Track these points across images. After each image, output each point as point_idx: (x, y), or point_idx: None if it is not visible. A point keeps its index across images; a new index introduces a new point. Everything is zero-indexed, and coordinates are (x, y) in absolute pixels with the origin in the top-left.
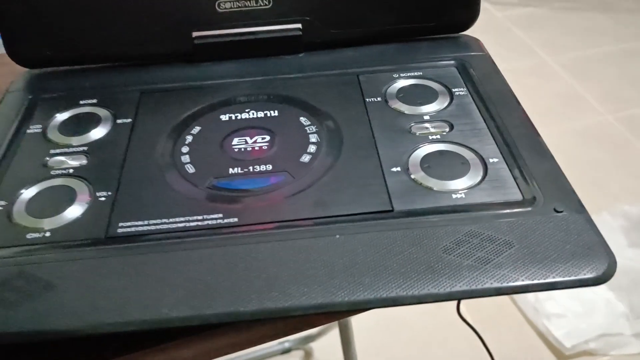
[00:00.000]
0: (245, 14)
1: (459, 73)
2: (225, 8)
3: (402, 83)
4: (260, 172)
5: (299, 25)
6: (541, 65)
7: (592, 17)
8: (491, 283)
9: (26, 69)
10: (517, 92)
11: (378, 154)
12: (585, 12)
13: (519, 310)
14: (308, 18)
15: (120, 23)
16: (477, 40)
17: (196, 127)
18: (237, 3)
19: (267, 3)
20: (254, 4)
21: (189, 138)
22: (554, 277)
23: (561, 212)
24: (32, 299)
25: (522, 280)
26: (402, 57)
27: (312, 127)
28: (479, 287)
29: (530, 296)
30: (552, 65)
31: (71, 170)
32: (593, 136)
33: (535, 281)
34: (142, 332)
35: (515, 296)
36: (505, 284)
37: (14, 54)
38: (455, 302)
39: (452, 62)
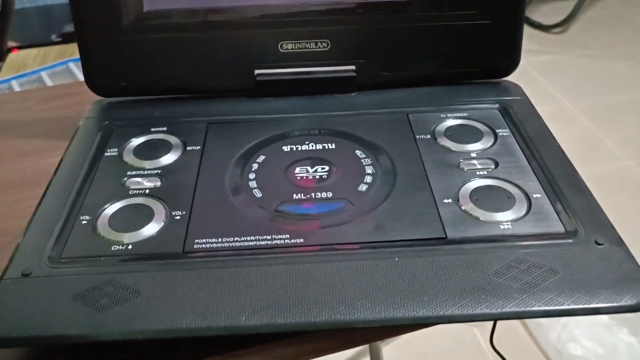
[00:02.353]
0: (305, 54)
1: (502, 115)
2: (287, 49)
3: (449, 122)
4: (322, 199)
5: (353, 67)
6: (562, 111)
7: (612, 66)
8: (539, 306)
9: (100, 98)
10: None
11: (430, 186)
12: (605, 61)
13: (541, 351)
14: (362, 61)
15: (191, 59)
16: (517, 86)
17: (261, 156)
18: (298, 44)
19: (325, 46)
20: (314, 46)
21: (255, 165)
22: (597, 303)
23: (602, 244)
24: (121, 303)
25: (568, 305)
26: (449, 99)
27: (367, 159)
28: (528, 308)
29: (552, 337)
30: (572, 110)
31: (147, 191)
32: (613, 181)
33: (580, 306)
34: (218, 338)
35: (538, 336)
36: (551, 307)
37: (92, 83)
38: (487, 337)
39: (496, 105)
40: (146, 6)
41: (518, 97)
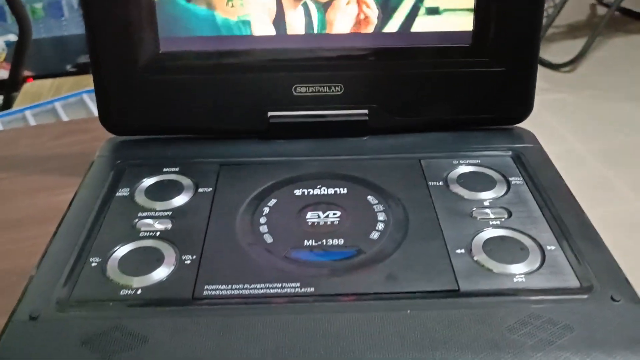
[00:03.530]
0: (318, 98)
1: (515, 163)
2: (301, 92)
3: (462, 169)
4: (333, 246)
5: (366, 111)
6: (571, 151)
7: (620, 107)
8: None
9: (112, 136)
10: None
11: (443, 235)
12: (614, 102)
13: None
14: (374, 105)
15: (205, 101)
16: (530, 133)
17: (272, 200)
18: (312, 88)
19: (338, 90)
20: (327, 90)
21: (266, 209)
22: None
23: (618, 301)
24: (128, 350)
25: None
26: (461, 145)
27: (379, 205)
28: None
29: None
30: (581, 151)
31: (158, 233)
32: (624, 223)
33: None
34: None
35: None
36: None
37: (106, 121)
38: None
39: (509, 152)
40: (162, 47)
41: (531, 145)
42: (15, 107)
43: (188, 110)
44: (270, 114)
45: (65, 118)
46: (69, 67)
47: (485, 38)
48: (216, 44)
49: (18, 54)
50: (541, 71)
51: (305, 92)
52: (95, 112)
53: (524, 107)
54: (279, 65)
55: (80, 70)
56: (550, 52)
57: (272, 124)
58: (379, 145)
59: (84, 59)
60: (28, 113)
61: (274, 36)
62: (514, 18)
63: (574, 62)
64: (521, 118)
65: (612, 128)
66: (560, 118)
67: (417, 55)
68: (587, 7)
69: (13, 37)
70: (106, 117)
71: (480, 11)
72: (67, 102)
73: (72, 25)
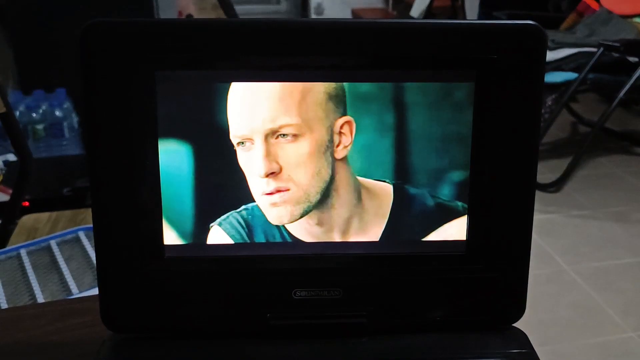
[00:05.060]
0: (317, 301)
1: None
2: (300, 296)
3: None
4: None
5: (364, 314)
6: (560, 273)
7: (608, 227)
8: None
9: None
10: (538, 300)
11: None
12: (600, 222)
13: None
14: (373, 308)
15: (206, 304)
16: (523, 335)
17: None
18: (311, 292)
19: (337, 294)
20: (326, 294)
21: None
22: None
23: None
24: None
25: None
26: (458, 351)
27: None
28: None
29: None
30: (570, 274)
31: None
32: (615, 353)
33: None
34: None
35: None
36: None
37: (107, 320)
38: None
39: (504, 359)
40: (167, 254)
41: (524, 351)
42: (11, 242)
43: (189, 312)
44: (269, 315)
45: (59, 257)
46: (65, 191)
47: (478, 246)
48: (218, 251)
49: (18, 187)
50: None
51: (305, 296)
52: (90, 251)
53: (517, 309)
54: (278, 270)
55: (77, 195)
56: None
57: (272, 326)
58: (378, 349)
59: (80, 183)
60: (23, 251)
61: (274, 243)
62: (505, 227)
63: (560, 181)
64: (514, 319)
65: (600, 249)
66: (549, 239)
67: (414, 262)
68: (569, 125)
69: (12, 157)
70: (107, 316)
71: (472, 222)
72: (63, 240)
73: (72, 145)
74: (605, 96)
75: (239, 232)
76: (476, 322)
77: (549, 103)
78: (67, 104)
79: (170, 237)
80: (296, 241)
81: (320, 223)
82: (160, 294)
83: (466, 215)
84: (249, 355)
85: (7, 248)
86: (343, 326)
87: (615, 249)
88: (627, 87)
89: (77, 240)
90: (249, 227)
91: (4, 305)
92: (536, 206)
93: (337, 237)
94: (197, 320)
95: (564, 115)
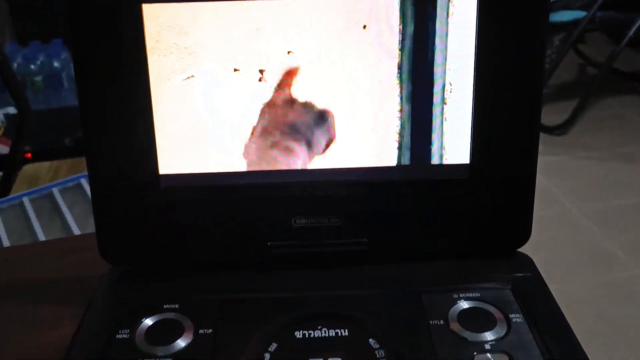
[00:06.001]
0: (317, 229)
1: (515, 296)
2: (300, 224)
3: (462, 305)
4: None
5: (365, 241)
6: (566, 215)
7: (614, 168)
8: None
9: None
10: (543, 240)
11: None
12: (607, 163)
13: None
14: (373, 236)
15: (204, 234)
16: (528, 259)
17: (273, 344)
18: (311, 219)
19: (337, 221)
20: (326, 222)
21: (267, 356)
22: None
23: None
24: None
25: None
26: (461, 277)
27: (381, 350)
28: None
29: None
30: (576, 215)
31: None
32: (622, 291)
33: None
34: None
35: None
36: None
37: (105, 254)
38: None
39: (508, 284)
40: (163, 184)
41: (529, 274)
42: (13, 191)
43: (188, 243)
44: (270, 243)
45: (62, 204)
46: (67, 141)
47: (482, 170)
48: (216, 179)
49: (18, 136)
50: None
51: (305, 223)
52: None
53: (523, 234)
54: (277, 198)
55: (79, 145)
56: (542, 114)
57: (272, 255)
58: (379, 277)
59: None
60: (25, 199)
61: (273, 171)
62: (510, 149)
63: (566, 124)
64: (520, 243)
65: (607, 190)
66: (555, 180)
67: (416, 187)
68: (576, 67)
69: (12, 110)
70: (105, 249)
71: (476, 145)
72: (65, 187)
73: (71, 96)
74: (614, 37)
75: None
76: (480, 249)
77: (557, 43)
78: (64, 55)
79: (166, 166)
80: (294, 170)
81: None
82: (158, 226)
83: (470, 138)
84: (250, 288)
85: (10, 196)
86: (344, 254)
87: (622, 189)
88: (638, 23)
89: (79, 187)
90: None
91: None
92: (542, 149)
93: (337, 163)
94: (196, 252)
95: (572, 57)
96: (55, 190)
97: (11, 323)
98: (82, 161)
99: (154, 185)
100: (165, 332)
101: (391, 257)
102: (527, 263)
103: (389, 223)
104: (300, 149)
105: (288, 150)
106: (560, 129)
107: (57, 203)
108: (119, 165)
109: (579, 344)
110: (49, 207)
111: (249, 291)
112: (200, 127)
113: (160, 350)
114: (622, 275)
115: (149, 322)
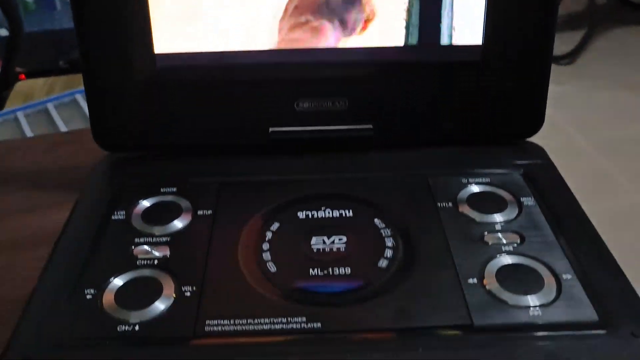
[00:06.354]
0: (322, 113)
1: (526, 181)
2: (303, 107)
3: (472, 189)
4: (340, 276)
5: (371, 126)
6: (572, 143)
7: (621, 97)
8: None
9: (106, 152)
10: None
11: (454, 263)
12: (614, 92)
13: None
14: (380, 119)
15: (203, 116)
16: (540, 148)
17: (275, 224)
18: (315, 103)
19: (343, 104)
20: (331, 105)
21: (269, 234)
22: None
23: (639, 337)
24: None
25: None
26: (470, 162)
27: (386, 229)
28: None
29: None
30: (581, 143)
31: (156, 262)
32: (627, 218)
33: None
34: None
35: None
36: None
37: (100, 138)
38: None
39: (519, 170)
40: (159, 63)
41: (541, 161)
42: (7, 107)
43: (186, 126)
44: (271, 129)
45: (57, 119)
46: (62, 63)
47: (495, 52)
48: (215, 59)
49: (9, 50)
50: None
51: (308, 107)
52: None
53: (535, 122)
54: (280, 80)
55: (74, 66)
56: None
57: (274, 139)
58: (385, 162)
59: (77, 54)
60: (20, 114)
61: (275, 50)
62: (525, 31)
63: (573, 53)
64: (532, 132)
65: (613, 118)
66: (560, 110)
67: (425, 69)
68: None
69: (4, 32)
70: (100, 134)
71: (489, 25)
72: (61, 102)
73: (65, 18)
74: None
75: None
76: (489, 136)
77: None
78: None
79: (162, 45)
80: (298, 49)
81: None
82: (154, 108)
83: (483, 18)
84: (250, 171)
85: (4, 111)
86: (349, 139)
87: (629, 118)
88: None
89: (75, 102)
90: None
91: None
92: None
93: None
94: (193, 136)
95: None
96: (50, 106)
97: (3, 211)
98: (78, 78)
99: (150, 65)
100: (162, 213)
101: (398, 143)
102: (539, 151)
103: (396, 107)
104: (314, 29)
105: (296, 28)
106: (567, 58)
107: (53, 119)
108: (112, 43)
109: (592, 225)
110: (44, 123)
111: (250, 174)
112: (197, 2)
113: (157, 230)
114: (626, 202)
115: (146, 203)
